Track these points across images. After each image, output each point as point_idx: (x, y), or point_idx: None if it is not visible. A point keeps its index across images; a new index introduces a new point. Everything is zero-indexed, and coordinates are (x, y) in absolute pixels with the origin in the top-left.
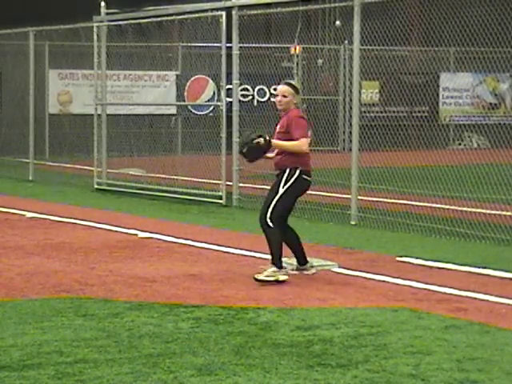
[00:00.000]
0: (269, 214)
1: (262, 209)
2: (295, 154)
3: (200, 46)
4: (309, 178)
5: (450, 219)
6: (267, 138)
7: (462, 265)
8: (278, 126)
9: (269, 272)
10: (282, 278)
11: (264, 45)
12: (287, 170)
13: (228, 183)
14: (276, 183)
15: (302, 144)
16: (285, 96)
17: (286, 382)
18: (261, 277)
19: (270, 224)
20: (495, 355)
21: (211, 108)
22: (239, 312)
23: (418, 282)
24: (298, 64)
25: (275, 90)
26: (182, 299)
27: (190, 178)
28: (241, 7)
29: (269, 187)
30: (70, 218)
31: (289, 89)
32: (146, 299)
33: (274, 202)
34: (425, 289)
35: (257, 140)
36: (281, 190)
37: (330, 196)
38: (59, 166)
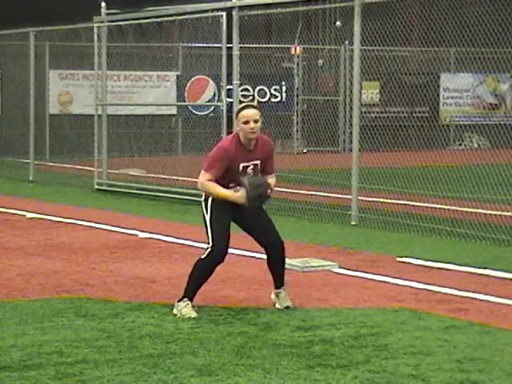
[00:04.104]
0: None
1: (274, 233)
2: None
3: (200, 47)
4: None
5: (451, 220)
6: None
7: (462, 265)
8: (256, 161)
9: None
10: None
11: (264, 45)
12: None
13: None
14: (259, 210)
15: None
16: (256, 121)
17: (286, 382)
18: (289, 303)
19: None
20: (495, 356)
21: (211, 108)
22: (239, 312)
23: (418, 282)
24: (298, 64)
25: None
26: None
27: (190, 179)
28: (241, 7)
29: None
30: (70, 218)
31: (258, 112)
32: (147, 300)
33: None
34: (425, 289)
35: (269, 192)
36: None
37: (330, 196)
38: (59, 167)
